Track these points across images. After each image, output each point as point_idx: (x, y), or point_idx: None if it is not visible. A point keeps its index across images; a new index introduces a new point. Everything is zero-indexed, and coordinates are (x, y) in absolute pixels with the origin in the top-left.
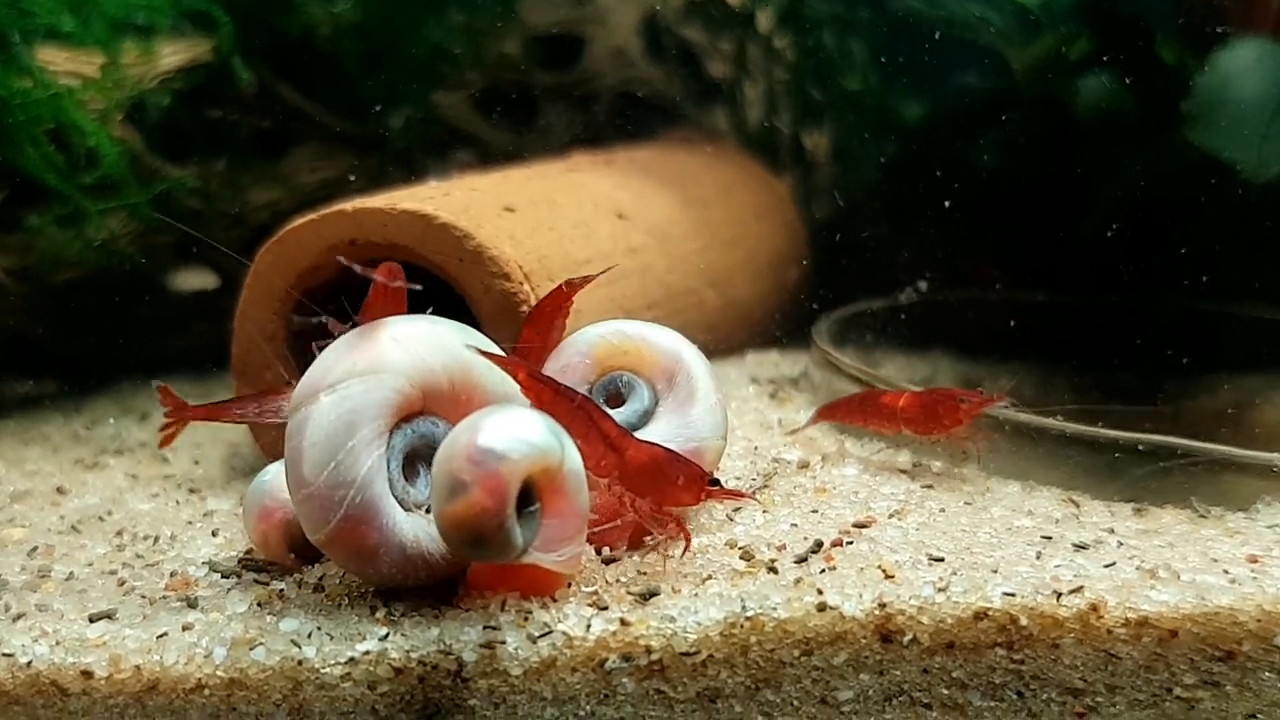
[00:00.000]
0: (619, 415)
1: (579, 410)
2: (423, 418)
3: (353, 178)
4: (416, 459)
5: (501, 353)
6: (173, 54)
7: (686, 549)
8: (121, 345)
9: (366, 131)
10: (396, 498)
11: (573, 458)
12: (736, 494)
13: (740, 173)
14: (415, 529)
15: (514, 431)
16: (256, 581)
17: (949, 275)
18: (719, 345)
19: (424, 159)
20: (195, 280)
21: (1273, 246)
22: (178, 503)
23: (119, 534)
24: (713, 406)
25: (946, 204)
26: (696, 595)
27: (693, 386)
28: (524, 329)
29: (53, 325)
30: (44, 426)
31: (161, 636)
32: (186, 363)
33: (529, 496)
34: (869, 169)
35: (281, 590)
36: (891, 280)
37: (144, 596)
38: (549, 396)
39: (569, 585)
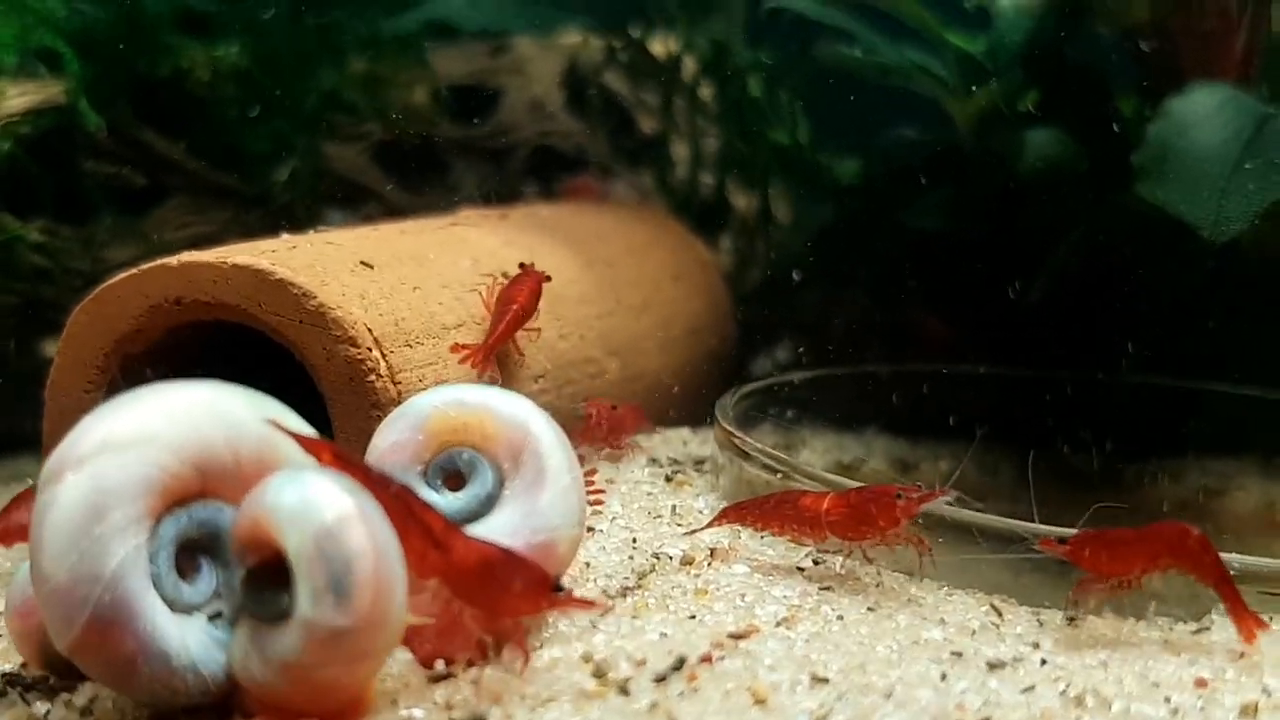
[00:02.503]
0: (457, 502)
1: (396, 500)
2: (202, 502)
3: (228, 234)
4: (197, 551)
5: (307, 426)
6: (19, 96)
7: (524, 666)
8: None
9: (246, 185)
10: (165, 597)
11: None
12: (585, 603)
13: (657, 232)
14: (187, 635)
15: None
16: (23, 699)
17: (885, 344)
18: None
19: (313, 216)
20: (44, 348)
21: (1239, 315)
22: None
23: None
24: (565, 489)
25: (883, 268)
26: None
27: (541, 465)
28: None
29: None
30: None
31: None
32: (33, 442)
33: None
34: (799, 230)
35: (46, 713)
36: (824, 351)
37: None
38: (359, 483)
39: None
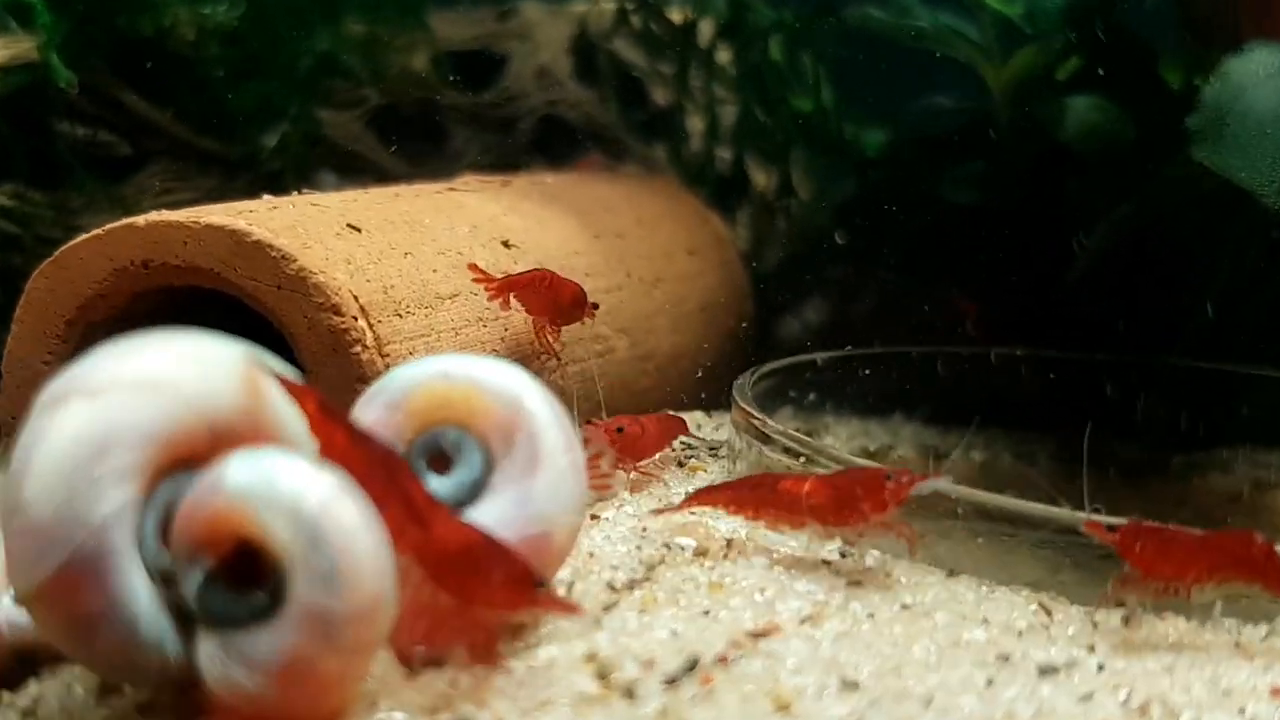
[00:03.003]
0: (441, 488)
1: (379, 465)
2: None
3: (212, 201)
4: None
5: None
6: None
7: (490, 668)
8: None
9: (232, 150)
10: (146, 562)
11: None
12: (567, 607)
13: (670, 204)
14: (159, 607)
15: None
16: None
17: (913, 325)
18: (632, 402)
19: (303, 183)
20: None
21: None
22: None
23: None
24: (563, 472)
25: (911, 244)
26: None
27: (536, 447)
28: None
29: None
30: None
31: None
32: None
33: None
34: (823, 203)
35: None
36: (848, 331)
37: None
38: (341, 441)
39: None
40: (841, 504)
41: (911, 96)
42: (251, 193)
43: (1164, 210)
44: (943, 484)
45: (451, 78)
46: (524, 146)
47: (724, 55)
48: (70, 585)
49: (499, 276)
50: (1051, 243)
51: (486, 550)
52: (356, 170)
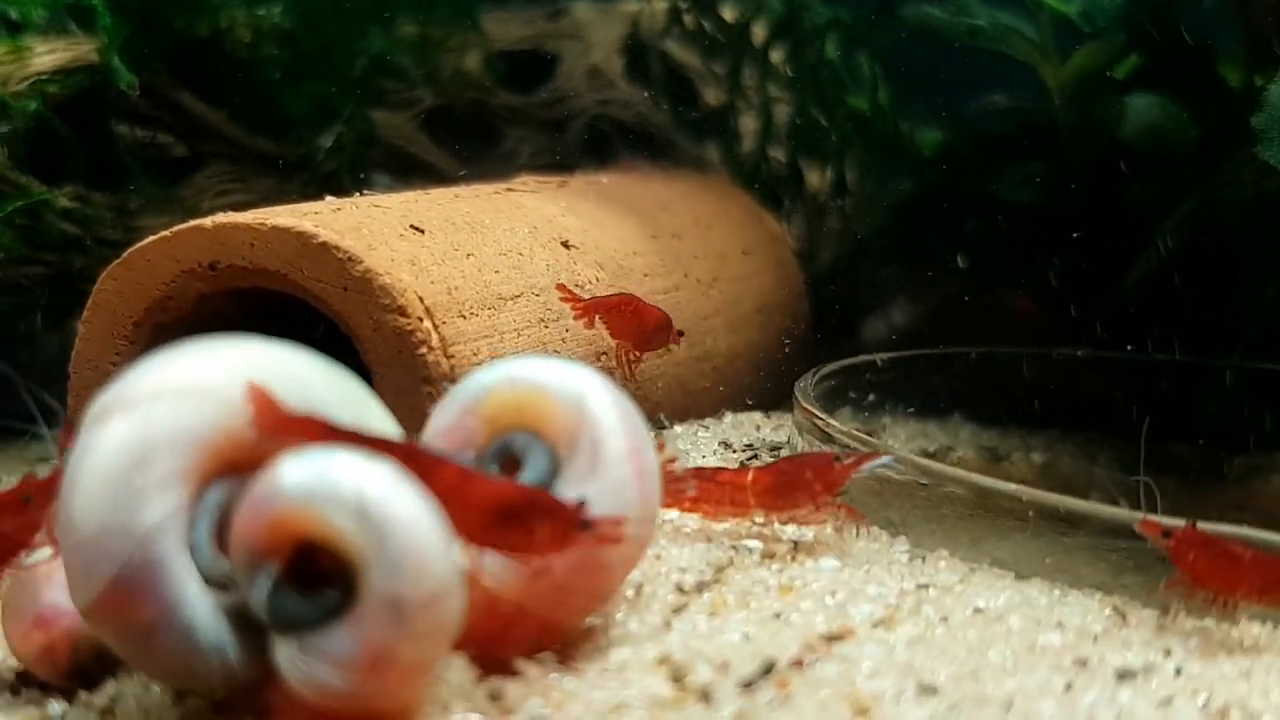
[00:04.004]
0: None
1: (396, 450)
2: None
3: (269, 202)
4: None
5: (377, 403)
6: (48, 53)
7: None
8: None
9: (288, 151)
10: (201, 568)
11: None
12: (614, 536)
13: (725, 204)
14: (217, 612)
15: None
16: (31, 701)
17: (973, 326)
18: (690, 403)
19: (359, 184)
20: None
21: None
22: None
23: None
24: (625, 478)
25: (970, 244)
26: None
27: (597, 452)
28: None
29: None
30: None
31: None
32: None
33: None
34: (879, 203)
35: (64, 713)
36: (904, 332)
37: None
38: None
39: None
40: (790, 486)
41: (969, 95)
42: (307, 193)
43: (1224, 210)
44: (889, 461)
45: (503, 78)
46: (575, 146)
47: (777, 55)
48: (123, 597)
49: (586, 297)
50: (1110, 243)
51: (525, 500)
52: (409, 171)
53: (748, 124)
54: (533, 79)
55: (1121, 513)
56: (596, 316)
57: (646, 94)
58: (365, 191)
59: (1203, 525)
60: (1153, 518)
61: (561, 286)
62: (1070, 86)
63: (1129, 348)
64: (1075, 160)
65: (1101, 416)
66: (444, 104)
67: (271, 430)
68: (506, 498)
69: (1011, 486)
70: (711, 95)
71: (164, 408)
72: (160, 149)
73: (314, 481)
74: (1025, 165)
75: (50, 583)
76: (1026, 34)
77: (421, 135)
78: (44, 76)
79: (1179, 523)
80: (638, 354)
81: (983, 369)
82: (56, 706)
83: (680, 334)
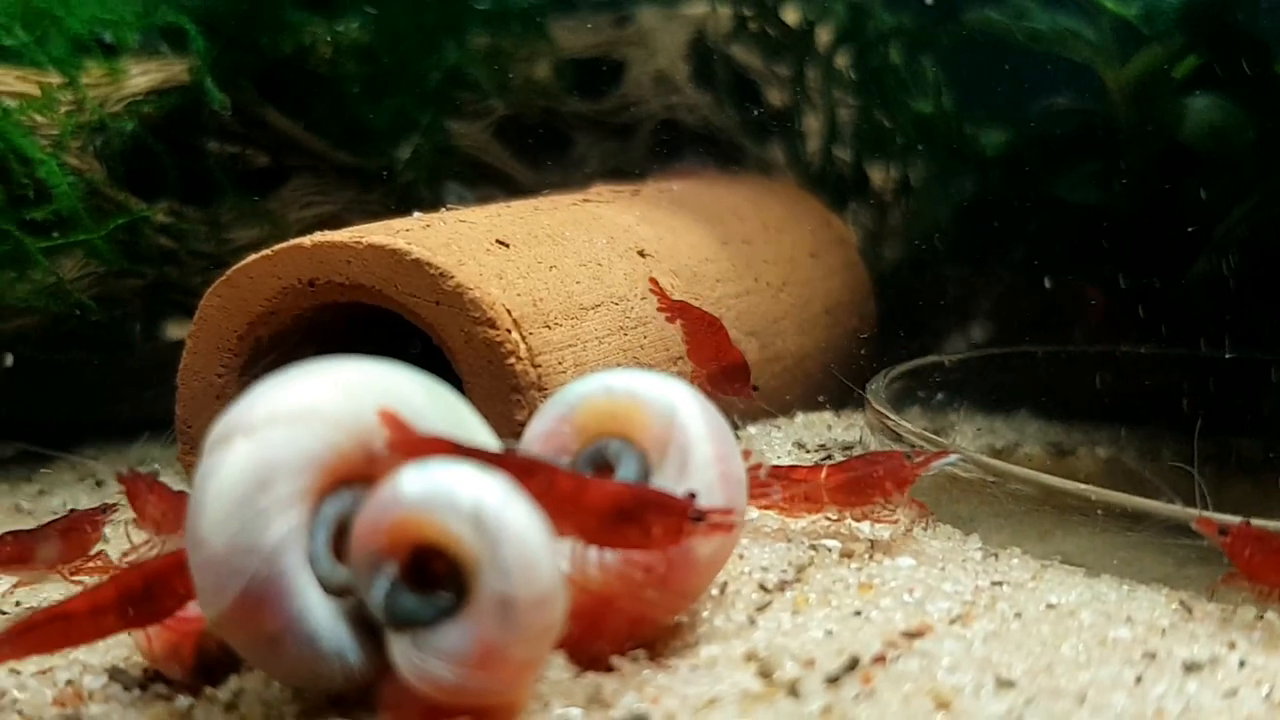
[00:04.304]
0: None
1: (522, 470)
2: (365, 485)
3: (351, 213)
4: None
5: (475, 417)
6: (142, 74)
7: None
8: (81, 403)
9: (369, 163)
10: (320, 578)
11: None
12: (726, 525)
13: (792, 207)
14: (336, 618)
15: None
16: (159, 696)
17: (1037, 325)
18: (762, 404)
19: (436, 194)
20: (169, 330)
21: None
22: None
23: None
24: (711, 484)
25: (1033, 244)
26: None
27: (685, 459)
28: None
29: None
30: None
31: None
32: (162, 425)
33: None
34: (943, 205)
35: (190, 707)
36: (969, 331)
37: (21, 714)
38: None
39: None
40: (863, 484)
41: (1031, 97)
42: (387, 204)
43: None
44: (957, 459)
45: (571, 85)
46: (643, 151)
47: (842, 59)
48: (251, 610)
49: (677, 301)
50: (1171, 241)
51: (639, 498)
52: (483, 179)
53: (812, 127)
54: (601, 86)
55: (1181, 510)
56: (679, 321)
57: (711, 98)
58: (449, 204)
59: (1257, 522)
60: (1209, 515)
61: (653, 281)
62: (1130, 88)
63: (1191, 344)
64: (1136, 160)
65: (1165, 412)
66: (515, 113)
67: (404, 450)
68: (622, 498)
69: (1079, 486)
70: (775, 98)
71: (281, 432)
72: (243, 161)
73: (433, 491)
74: (1086, 166)
75: None
76: (1086, 37)
77: (495, 144)
78: (139, 97)
79: (1234, 520)
80: (707, 388)
81: (1047, 367)
82: (183, 701)
83: (755, 389)
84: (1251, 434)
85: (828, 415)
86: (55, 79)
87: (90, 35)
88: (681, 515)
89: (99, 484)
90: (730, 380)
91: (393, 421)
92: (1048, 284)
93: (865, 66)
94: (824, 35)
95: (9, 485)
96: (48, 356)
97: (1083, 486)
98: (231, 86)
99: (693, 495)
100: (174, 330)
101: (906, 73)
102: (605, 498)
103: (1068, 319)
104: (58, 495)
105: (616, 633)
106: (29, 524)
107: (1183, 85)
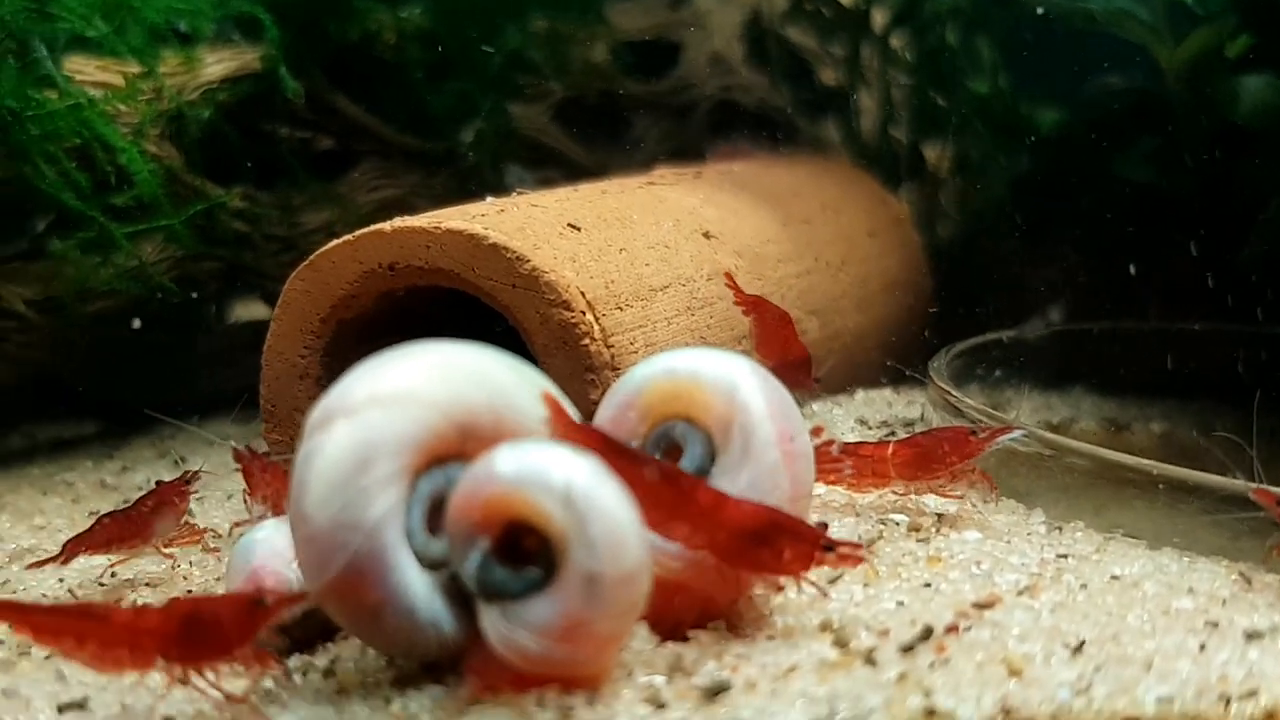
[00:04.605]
0: None
1: (664, 478)
2: (459, 462)
3: (417, 196)
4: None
5: (566, 399)
6: (216, 63)
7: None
8: (161, 382)
9: (433, 147)
10: (416, 552)
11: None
12: (855, 558)
13: (850, 188)
14: (432, 591)
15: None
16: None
17: (1092, 302)
18: (822, 381)
19: (498, 176)
20: (243, 310)
21: None
22: (190, 563)
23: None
24: (774, 463)
25: (1088, 222)
26: (775, 693)
27: (748, 439)
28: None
29: (83, 361)
30: (69, 474)
31: None
32: (236, 403)
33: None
34: (998, 183)
35: (290, 673)
36: (1024, 308)
37: (128, 680)
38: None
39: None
40: (928, 458)
41: (1086, 77)
42: (452, 185)
43: None
44: (1020, 434)
45: (628, 67)
46: (700, 132)
47: (898, 40)
48: (353, 583)
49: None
50: (1225, 219)
51: (773, 523)
52: (543, 161)
53: (868, 106)
54: (657, 67)
55: (1236, 483)
56: (751, 315)
57: (767, 79)
58: (519, 190)
59: None
60: (1266, 487)
61: (728, 275)
62: (1184, 68)
63: (1246, 321)
64: (1190, 139)
65: (1218, 388)
66: (574, 95)
67: (562, 436)
68: (760, 521)
69: (1138, 460)
70: (830, 78)
71: (379, 414)
72: (313, 146)
73: (527, 470)
74: (1141, 144)
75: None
76: (1141, 17)
77: (554, 126)
78: (214, 85)
79: None
80: None
81: (1102, 344)
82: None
83: (818, 381)
84: None
85: (887, 392)
86: (134, 69)
87: (166, 25)
88: (814, 544)
89: (179, 461)
90: (794, 373)
91: (555, 406)
92: (1102, 260)
93: (921, 47)
94: (879, 16)
95: (93, 462)
96: (128, 337)
97: (1142, 461)
98: (302, 74)
99: (825, 525)
100: (248, 311)
101: (962, 53)
102: (744, 518)
103: (1124, 297)
104: (140, 471)
105: (695, 607)
106: (114, 498)
107: (1236, 65)
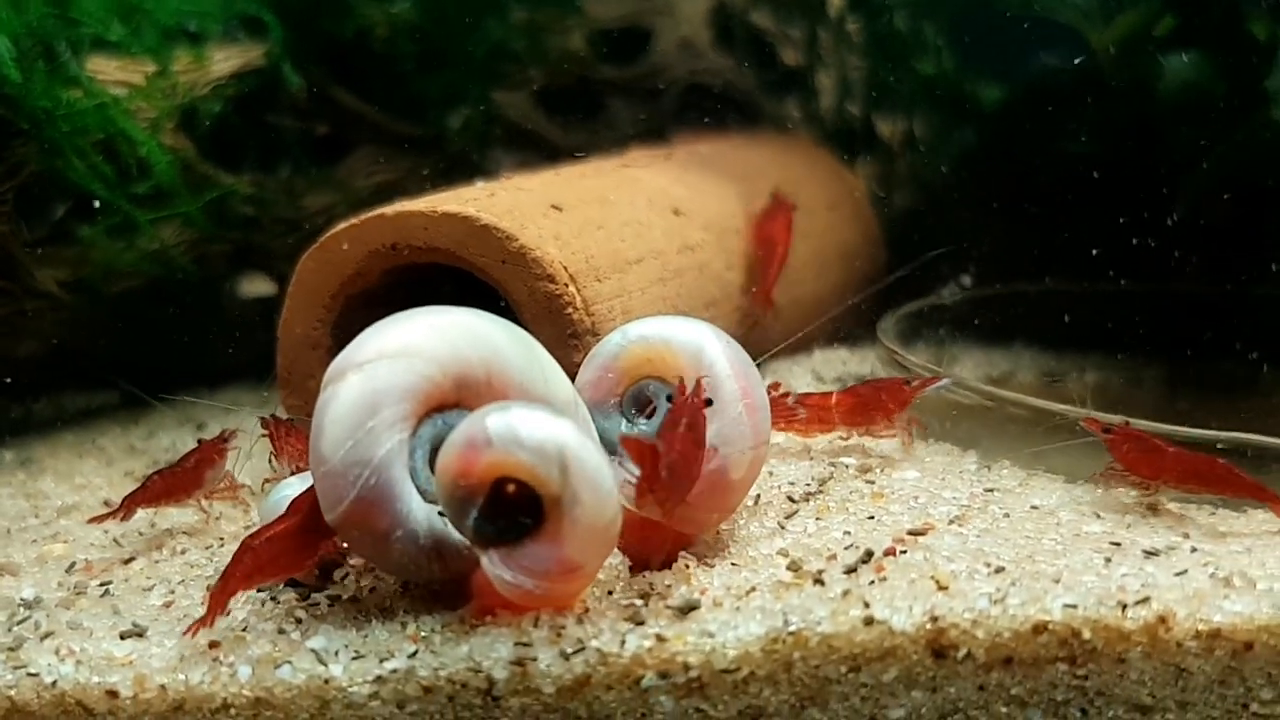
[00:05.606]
0: (645, 429)
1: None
2: (456, 411)
3: (410, 179)
4: None
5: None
6: (224, 60)
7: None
8: (179, 355)
9: (424, 133)
10: (419, 488)
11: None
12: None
13: (809, 164)
14: (433, 522)
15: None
16: (295, 595)
17: (1034, 265)
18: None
19: (484, 159)
20: (253, 287)
21: None
22: (220, 515)
23: (159, 548)
24: (738, 415)
25: (1030, 192)
26: (738, 609)
27: (714, 394)
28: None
29: (109, 337)
30: (100, 439)
31: (187, 655)
32: (247, 372)
33: (524, 506)
34: (945, 156)
35: (316, 604)
36: (969, 273)
37: (177, 613)
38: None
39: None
40: (867, 406)
41: (1026, 57)
42: (442, 169)
43: (1250, 158)
44: (948, 382)
45: (603, 54)
46: (671, 113)
47: (851, 24)
48: (364, 512)
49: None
50: (1153, 188)
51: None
52: (526, 145)
53: (826, 86)
54: (630, 54)
55: (1076, 410)
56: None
57: (733, 63)
58: (506, 175)
59: (1136, 424)
60: (1094, 414)
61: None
62: (1114, 47)
63: (1170, 279)
64: (1121, 114)
65: (1149, 342)
66: (553, 82)
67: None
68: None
69: (1017, 395)
70: (791, 60)
71: (386, 366)
72: (313, 134)
73: (515, 430)
74: (1077, 118)
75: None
76: (1073, 1)
77: (536, 111)
78: (223, 81)
79: (1117, 420)
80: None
81: (1041, 304)
82: (316, 596)
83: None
84: (1224, 356)
85: (843, 351)
86: (150, 67)
87: (177, 26)
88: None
89: (199, 426)
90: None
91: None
92: (1041, 226)
93: (873, 30)
94: (835, 0)
95: (120, 429)
96: (149, 314)
97: (1019, 395)
98: (302, 68)
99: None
100: (257, 288)
101: (911, 36)
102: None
103: (1063, 259)
104: (164, 436)
105: (663, 544)
106: (145, 460)
107: (1162, 42)
